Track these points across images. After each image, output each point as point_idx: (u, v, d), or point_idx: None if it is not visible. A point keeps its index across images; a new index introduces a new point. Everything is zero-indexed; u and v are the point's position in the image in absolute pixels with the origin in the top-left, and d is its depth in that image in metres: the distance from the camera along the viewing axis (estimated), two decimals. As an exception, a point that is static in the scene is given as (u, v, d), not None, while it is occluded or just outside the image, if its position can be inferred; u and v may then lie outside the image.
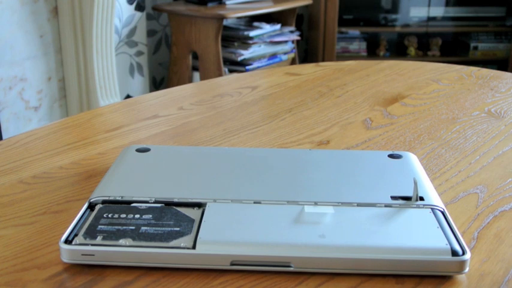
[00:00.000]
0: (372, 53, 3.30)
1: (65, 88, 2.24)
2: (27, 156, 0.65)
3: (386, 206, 0.49)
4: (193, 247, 0.43)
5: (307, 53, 3.39)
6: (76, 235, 0.44)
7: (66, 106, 2.27)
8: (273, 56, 2.67)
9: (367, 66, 1.07)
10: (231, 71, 2.54)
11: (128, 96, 2.52)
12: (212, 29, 2.40)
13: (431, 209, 0.49)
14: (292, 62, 2.78)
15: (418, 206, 0.49)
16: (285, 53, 2.73)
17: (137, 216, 0.46)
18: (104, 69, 2.18)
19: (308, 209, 0.48)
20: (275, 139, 0.72)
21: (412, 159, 0.59)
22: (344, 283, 0.43)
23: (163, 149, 0.62)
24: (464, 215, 0.53)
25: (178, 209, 0.48)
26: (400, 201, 0.50)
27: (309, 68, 1.06)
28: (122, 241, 0.43)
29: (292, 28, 2.76)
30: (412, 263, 0.43)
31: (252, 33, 2.53)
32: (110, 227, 0.45)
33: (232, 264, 0.43)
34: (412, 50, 3.28)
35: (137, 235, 0.44)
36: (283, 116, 0.80)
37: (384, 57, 3.27)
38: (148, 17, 2.61)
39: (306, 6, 3.17)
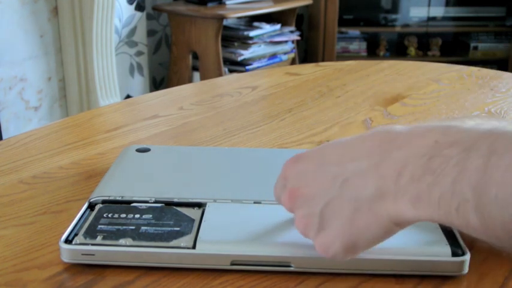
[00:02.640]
0: (372, 53, 3.30)
1: (65, 88, 2.24)
2: (27, 156, 0.65)
3: (386, 206, 0.49)
4: (193, 247, 0.43)
5: (307, 53, 3.39)
6: (76, 235, 0.44)
7: (66, 106, 2.27)
8: (273, 56, 2.67)
9: (367, 66, 1.07)
10: (231, 71, 2.54)
11: (128, 96, 2.51)
12: (212, 29, 2.40)
13: (431, 209, 0.48)
14: (292, 62, 2.78)
15: (418, 206, 0.49)
16: (285, 53, 2.73)
17: (137, 216, 0.46)
18: (104, 69, 2.18)
19: (308, 209, 0.48)
20: (275, 139, 0.72)
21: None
22: (344, 283, 0.43)
23: (163, 149, 0.62)
24: (464, 215, 0.53)
25: (178, 209, 0.48)
26: (400, 201, 0.49)
27: (309, 68, 1.06)
28: (122, 241, 0.43)
29: (292, 28, 2.76)
30: (412, 263, 0.43)
31: (252, 33, 2.53)
32: (109, 226, 0.45)
33: (232, 264, 0.43)
34: (412, 50, 3.27)
35: (137, 235, 0.44)
36: (283, 116, 0.80)
37: (384, 57, 3.27)
38: (148, 17, 2.61)
39: (306, 6, 3.17)
